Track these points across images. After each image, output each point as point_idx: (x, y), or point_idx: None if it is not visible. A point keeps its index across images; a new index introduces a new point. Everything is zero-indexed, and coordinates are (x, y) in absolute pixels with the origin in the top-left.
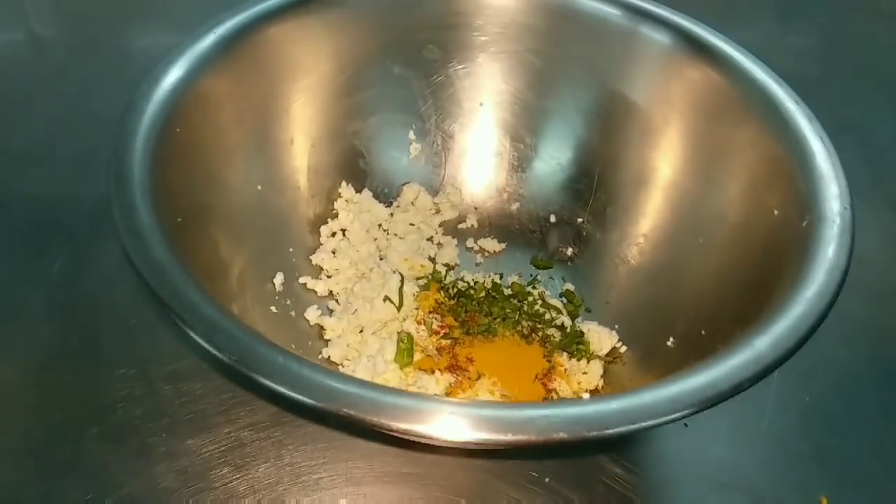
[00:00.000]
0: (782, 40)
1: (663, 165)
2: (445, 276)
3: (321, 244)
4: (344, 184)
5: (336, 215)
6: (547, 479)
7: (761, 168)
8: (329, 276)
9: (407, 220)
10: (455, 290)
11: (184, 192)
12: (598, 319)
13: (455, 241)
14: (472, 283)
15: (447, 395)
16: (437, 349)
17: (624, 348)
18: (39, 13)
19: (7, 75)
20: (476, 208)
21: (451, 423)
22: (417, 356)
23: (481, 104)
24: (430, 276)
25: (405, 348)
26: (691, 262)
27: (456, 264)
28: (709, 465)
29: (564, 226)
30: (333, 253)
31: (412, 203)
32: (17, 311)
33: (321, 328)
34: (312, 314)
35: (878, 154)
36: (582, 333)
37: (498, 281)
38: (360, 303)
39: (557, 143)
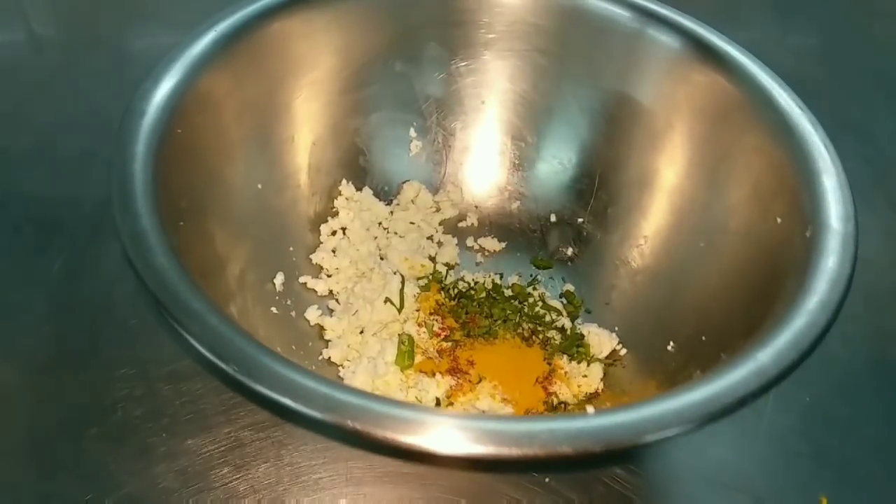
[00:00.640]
0: (782, 40)
1: (666, 168)
2: (446, 276)
3: (321, 243)
4: (344, 182)
5: (336, 213)
6: (547, 480)
7: (765, 175)
8: (329, 276)
9: (407, 218)
10: (455, 290)
11: (184, 193)
12: (598, 321)
13: (455, 240)
14: (472, 284)
15: (448, 397)
16: (437, 351)
17: (624, 351)
18: (39, 13)
19: (7, 75)
20: (476, 207)
21: (454, 436)
22: (418, 358)
23: (483, 102)
24: (430, 277)
25: (406, 350)
26: (693, 267)
27: (456, 263)
28: (709, 465)
29: (565, 226)
30: (333, 252)
31: (412, 201)
32: (17, 311)
33: (321, 328)
34: (313, 314)
35: (878, 154)
36: (582, 336)
37: (498, 281)
38: (360, 303)
39: (560, 142)
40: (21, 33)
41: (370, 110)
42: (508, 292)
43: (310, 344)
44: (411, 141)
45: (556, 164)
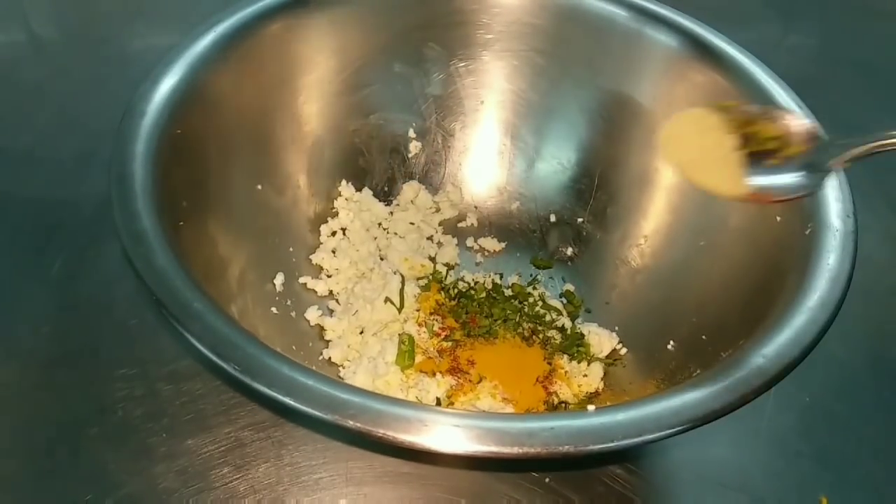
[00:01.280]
0: (782, 40)
1: (666, 167)
2: (446, 276)
3: (321, 243)
4: (344, 182)
5: (336, 214)
6: (547, 480)
7: None
8: (329, 276)
9: (407, 218)
10: (455, 290)
11: (184, 193)
12: (598, 320)
13: (455, 240)
14: (472, 284)
15: (448, 397)
16: (438, 351)
17: (624, 350)
18: (39, 13)
19: (7, 75)
20: (476, 207)
21: (454, 435)
22: (418, 358)
23: (482, 102)
24: (430, 277)
25: (406, 350)
26: (692, 266)
27: (456, 264)
28: (709, 465)
29: (564, 225)
30: (333, 252)
31: (412, 202)
32: (17, 311)
33: (322, 329)
34: (313, 314)
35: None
36: (582, 335)
37: (498, 281)
38: (360, 303)
39: (559, 142)
40: (21, 33)
41: (370, 111)
42: (508, 292)
43: (310, 344)
44: (411, 141)
45: (556, 163)
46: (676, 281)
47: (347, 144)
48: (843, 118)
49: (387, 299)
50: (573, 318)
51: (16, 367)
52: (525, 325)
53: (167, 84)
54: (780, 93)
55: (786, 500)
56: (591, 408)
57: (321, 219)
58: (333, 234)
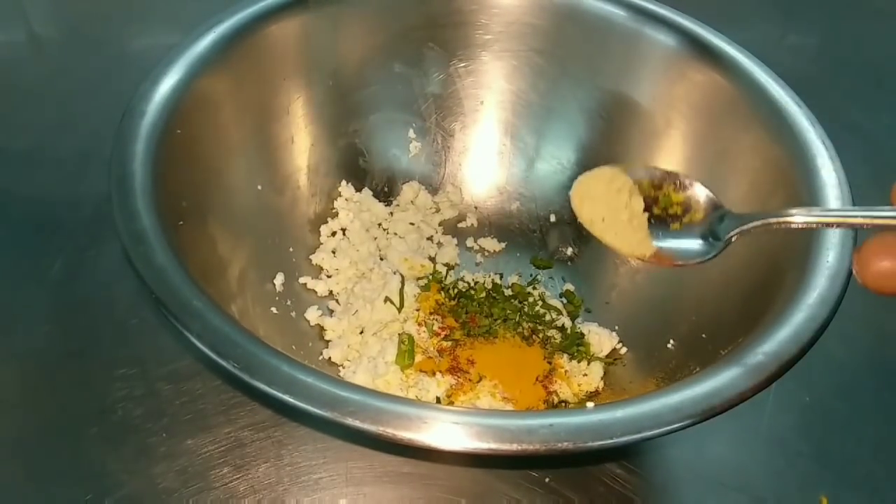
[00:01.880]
0: (782, 40)
1: (665, 166)
2: (446, 277)
3: (321, 244)
4: (344, 183)
5: (336, 214)
6: (547, 479)
7: (764, 172)
8: (329, 276)
9: (407, 219)
10: (455, 290)
11: (184, 193)
12: (599, 320)
13: (455, 241)
14: (472, 284)
15: (448, 396)
16: (437, 351)
17: (624, 350)
18: (39, 13)
19: (7, 75)
20: (476, 207)
21: (453, 432)
22: (418, 358)
23: (482, 103)
24: (430, 277)
25: (406, 350)
26: None
27: (456, 264)
28: (709, 465)
29: (564, 225)
30: (333, 252)
31: (412, 202)
32: (17, 311)
33: (321, 329)
34: (313, 314)
35: (878, 154)
36: (582, 335)
37: (498, 281)
38: (360, 303)
39: (559, 142)
40: (21, 33)
41: (369, 111)
42: (508, 292)
43: (310, 344)
44: (411, 142)
45: (556, 163)
46: (676, 280)
47: (347, 145)
48: (844, 118)
49: (387, 299)
50: (573, 317)
51: (16, 367)
52: (525, 324)
53: (167, 84)
54: (780, 93)
55: (786, 500)
56: (589, 405)
57: (321, 219)
58: (333, 234)
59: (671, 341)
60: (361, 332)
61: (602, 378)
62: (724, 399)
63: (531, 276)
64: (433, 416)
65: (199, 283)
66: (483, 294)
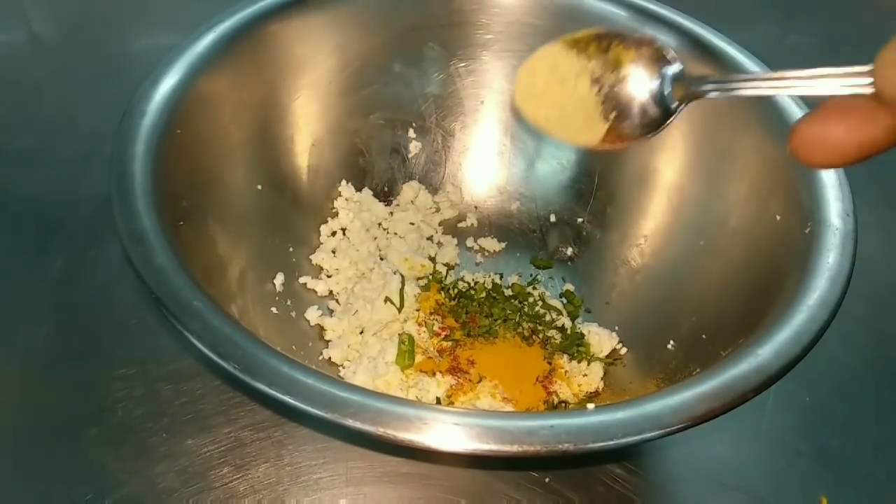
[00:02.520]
0: (782, 40)
1: (665, 167)
2: (446, 277)
3: (321, 243)
4: (344, 182)
5: (336, 214)
6: (547, 480)
7: (764, 172)
8: (329, 276)
9: (407, 218)
10: (455, 290)
11: (184, 193)
12: (599, 320)
13: (455, 241)
14: (472, 284)
15: (448, 397)
16: (437, 351)
17: (624, 350)
18: (39, 13)
19: (7, 75)
20: (476, 207)
21: (454, 433)
22: (418, 358)
23: (482, 102)
24: (430, 277)
25: (406, 350)
26: (692, 265)
27: (456, 264)
28: (709, 465)
29: (564, 225)
30: (333, 252)
31: (412, 202)
32: (17, 311)
33: (322, 329)
34: (313, 314)
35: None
36: (582, 335)
37: (498, 281)
38: (360, 303)
39: (558, 142)
40: (21, 33)
41: (369, 111)
42: (508, 292)
43: (310, 344)
44: (411, 141)
45: (556, 163)
46: (676, 280)
47: (347, 144)
48: None
49: (387, 299)
50: (573, 318)
51: (16, 367)
52: (525, 324)
53: (167, 84)
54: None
55: (786, 500)
56: (590, 406)
57: (321, 219)
58: (333, 234)
59: (671, 342)
60: (361, 332)
61: (602, 378)
62: (725, 401)
63: (531, 276)
64: (433, 418)
65: (200, 283)
66: (483, 294)
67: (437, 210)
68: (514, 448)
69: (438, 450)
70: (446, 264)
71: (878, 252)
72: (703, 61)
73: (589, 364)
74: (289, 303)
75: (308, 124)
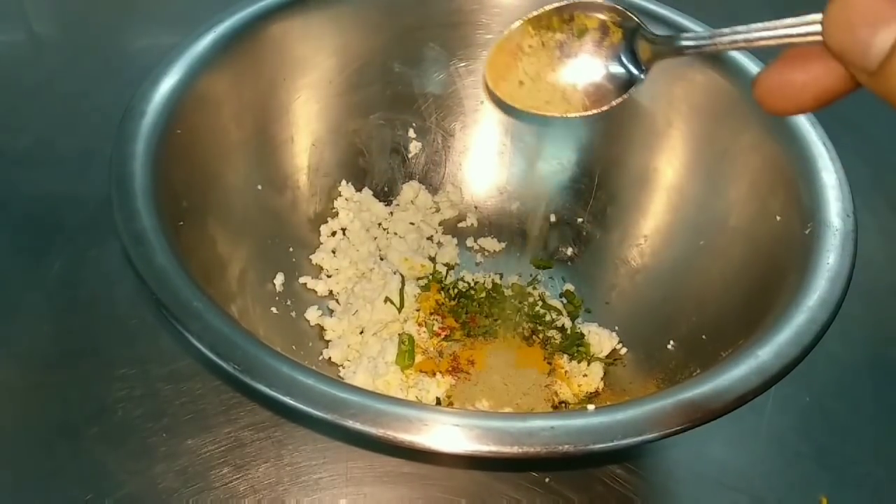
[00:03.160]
0: None
1: (665, 167)
2: (446, 277)
3: (321, 243)
4: (344, 182)
5: (336, 214)
6: (547, 480)
7: (764, 173)
8: (329, 276)
9: (407, 218)
10: (455, 290)
11: (184, 193)
12: (599, 320)
13: (455, 241)
14: (472, 284)
15: (448, 397)
16: (438, 351)
17: (624, 350)
18: (39, 13)
19: (7, 75)
20: (476, 207)
21: (454, 434)
22: (418, 358)
23: (482, 102)
24: (430, 277)
25: (406, 350)
26: (692, 265)
27: (456, 264)
28: (709, 465)
29: (564, 226)
30: (333, 252)
31: (412, 202)
32: (17, 311)
33: (321, 329)
34: (313, 314)
35: (878, 154)
36: (582, 335)
37: (498, 281)
38: (360, 303)
39: (559, 142)
40: (21, 33)
41: (369, 111)
42: (508, 292)
43: (310, 344)
44: (411, 141)
45: (556, 163)
46: (676, 280)
47: (347, 144)
48: (844, 118)
49: (387, 299)
50: (573, 318)
51: (16, 367)
52: (525, 324)
53: (167, 84)
54: None
55: (786, 500)
56: (590, 407)
57: (321, 219)
58: (333, 234)
59: (671, 342)
60: (361, 333)
61: (602, 378)
62: (726, 401)
63: (531, 276)
64: (434, 419)
65: (200, 283)
66: (483, 294)
67: (437, 210)
68: (514, 449)
69: (439, 451)
70: (446, 264)
71: (878, 253)
72: (703, 61)
73: (589, 364)
74: (289, 303)
75: (308, 124)
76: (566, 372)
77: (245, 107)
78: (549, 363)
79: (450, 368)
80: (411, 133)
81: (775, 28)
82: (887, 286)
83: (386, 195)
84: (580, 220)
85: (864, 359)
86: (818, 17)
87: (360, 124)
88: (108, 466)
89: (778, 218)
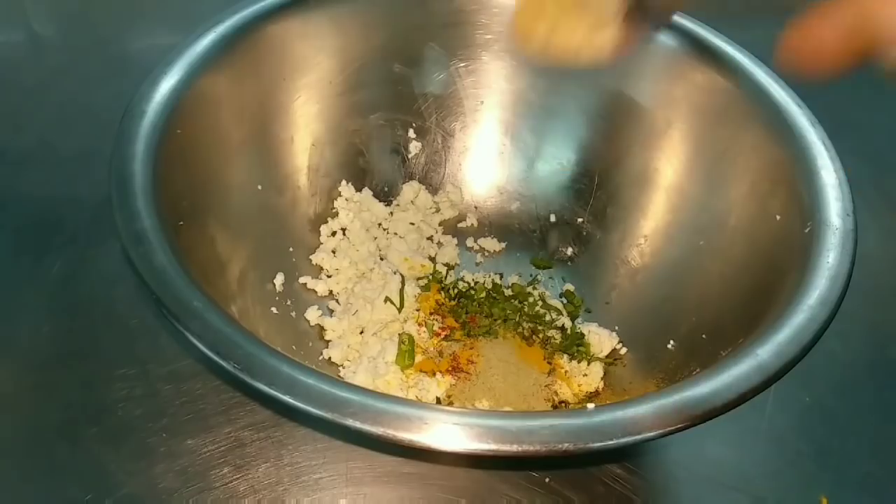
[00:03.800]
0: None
1: (665, 167)
2: (446, 277)
3: (321, 243)
4: (344, 182)
5: (336, 214)
6: (547, 480)
7: (764, 172)
8: (329, 276)
9: (407, 219)
10: (455, 290)
11: (184, 193)
12: (599, 320)
13: (455, 241)
14: (472, 284)
15: (448, 396)
16: (438, 351)
17: (624, 350)
18: (39, 13)
19: (7, 75)
20: (476, 207)
21: (454, 433)
22: (418, 358)
23: (482, 102)
24: (430, 277)
25: (406, 350)
26: (692, 265)
27: (456, 264)
28: (709, 465)
29: (564, 226)
30: (333, 252)
31: (412, 202)
32: (17, 311)
33: (321, 329)
34: (313, 314)
35: (878, 154)
36: (582, 335)
37: (498, 281)
38: (360, 303)
39: (559, 142)
40: (21, 33)
41: (369, 111)
42: (508, 292)
43: (310, 344)
44: (411, 141)
45: (556, 164)
46: (676, 280)
47: (347, 145)
48: (844, 118)
49: (387, 299)
50: (573, 318)
51: (16, 367)
52: (525, 324)
53: (167, 84)
54: (781, 93)
55: (786, 500)
56: (590, 406)
57: (321, 219)
58: (333, 234)
59: (671, 342)
60: (361, 333)
61: (602, 378)
62: (725, 400)
63: (531, 276)
64: (434, 417)
65: (200, 283)
66: (483, 294)
67: (438, 210)
68: (514, 448)
69: (439, 449)
70: (446, 264)
71: (878, 252)
72: (703, 61)
73: (589, 364)
74: (289, 303)
75: (308, 124)
76: (566, 372)
77: (245, 107)
78: (549, 363)
79: (450, 368)
80: (411, 133)
81: None
82: (887, 286)
83: (386, 195)
84: (580, 220)
85: (864, 359)
86: None
87: (360, 124)
88: (108, 466)
89: (778, 217)
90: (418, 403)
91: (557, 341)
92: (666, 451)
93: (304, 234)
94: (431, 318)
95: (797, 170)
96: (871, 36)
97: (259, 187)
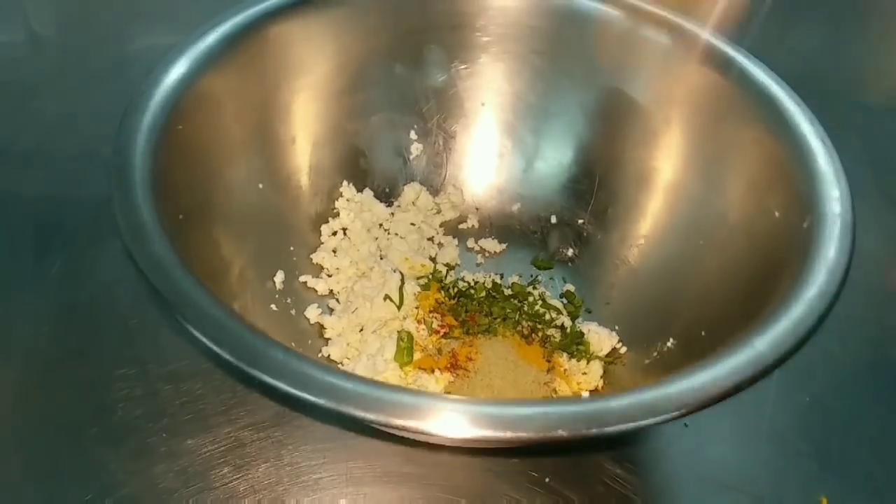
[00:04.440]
0: (782, 40)
1: (664, 166)
2: (446, 276)
3: (322, 243)
4: (345, 183)
5: (337, 214)
6: (547, 479)
7: (762, 169)
8: (329, 275)
9: (408, 219)
10: (455, 289)
11: (185, 191)
12: (599, 320)
13: (456, 241)
14: (472, 283)
15: (447, 393)
16: (437, 348)
17: (624, 349)
18: (39, 13)
19: (7, 75)
20: (477, 208)
21: (450, 419)
22: (417, 355)
23: (483, 104)
24: (430, 276)
25: (405, 347)
26: (692, 264)
27: (456, 264)
28: (709, 465)
29: (565, 226)
30: (334, 252)
31: (413, 203)
32: (17, 311)
33: (321, 327)
34: (313, 313)
35: (878, 154)
36: (582, 334)
37: (498, 281)
38: (360, 301)
39: (559, 143)
40: (21, 33)
41: (370, 112)
42: (508, 291)
43: (309, 342)
44: (412, 143)
45: (556, 164)
46: (676, 279)
47: (348, 145)
48: (844, 118)
49: (386, 297)
50: (573, 318)
51: (16, 367)
52: (524, 323)
53: (169, 81)
54: (780, 92)
55: (786, 500)
56: (585, 394)
57: (322, 219)
58: (334, 233)
59: (671, 340)
60: (361, 330)
61: (602, 377)
62: (720, 390)
63: (532, 276)
64: (431, 405)
65: (199, 277)
66: (483, 293)
67: (439, 211)
68: (507, 434)
69: (434, 434)
70: (447, 265)
71: (877, 252)
72: (703, 61)
73: (588, 363)
74: (289, 301)
75: (309, 125)
76: (565, 370)
77: (246, 107)
78: (549, 361)
79: (448, 365)
80: (412, 135)
81: None
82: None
83: (387, 196)
84: (581, 220)
85: (864, 359)
86: None
87: (361, 125)
88: (108, 466)
89: (776, 213)
90: (416, 391)
91: (557, 340)
92: (666, 450)
93: (305, 233)
94: (431, 316)
95: (795, 165)
96: None
97: (260, 186)
